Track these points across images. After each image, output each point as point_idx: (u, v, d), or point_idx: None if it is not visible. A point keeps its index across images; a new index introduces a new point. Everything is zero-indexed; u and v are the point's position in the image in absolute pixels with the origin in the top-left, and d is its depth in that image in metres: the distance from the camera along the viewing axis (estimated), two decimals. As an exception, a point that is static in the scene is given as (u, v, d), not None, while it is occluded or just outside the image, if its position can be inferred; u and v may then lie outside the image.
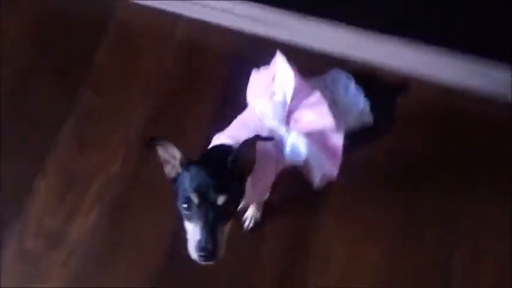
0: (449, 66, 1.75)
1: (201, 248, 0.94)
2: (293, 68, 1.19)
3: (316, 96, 1.18)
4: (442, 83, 1.79)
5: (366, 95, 1.25)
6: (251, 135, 1.03)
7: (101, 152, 1.66)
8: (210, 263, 0.96)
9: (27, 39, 1.86)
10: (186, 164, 1.01)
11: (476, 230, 1.61)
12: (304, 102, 1.20)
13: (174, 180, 1.03)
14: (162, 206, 1.54)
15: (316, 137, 1.20)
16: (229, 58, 1.83)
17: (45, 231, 1.55)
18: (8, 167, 1.62)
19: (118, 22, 1.88)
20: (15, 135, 1.68)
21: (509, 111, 1.75)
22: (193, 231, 0.97)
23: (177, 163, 1.02)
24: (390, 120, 1.36)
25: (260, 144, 1.08)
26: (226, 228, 1.00)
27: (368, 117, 1.28)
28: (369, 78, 1.34)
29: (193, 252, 0.96)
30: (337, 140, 1.20)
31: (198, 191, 0.96)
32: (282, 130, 1.20)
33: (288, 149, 1.20)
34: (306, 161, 1.20)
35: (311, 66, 1.34)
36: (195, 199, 0.96)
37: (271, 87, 1.24)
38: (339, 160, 1.23)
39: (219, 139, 1.18)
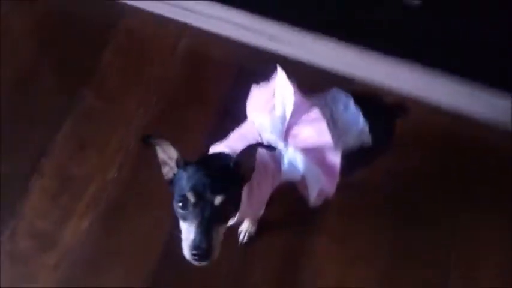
0: (451, 91, 1.76)
1: (195, 247, 0.93)
2: (293, 84, 1.18)
3: (315, 113, 1.17)
4: (444, 107, 1.80)
5: (365, 116, 1.24)
6: None
7: (98, 156, 1.66)
8: (204, 263, 0.95)
9: (33, 38, 1.87)
10: (182, 164, 1.00)
11: (474, 253, 1.60)
12: (303, 118, 1.19)
13: (171, 181, 1.02)
14: (157, 213, 1.57)
15: (313, 154, 1.19)
16: (233, 70, 1.83)
17: (38, 233, 1.54)
18: (4, 166, 1.62)
19: (125, 27, 1.89)
20: (14, 134, 1.68)
21: (509, 139, 1.75)
22: (187, 231, 0.96)
23: (173, 163, 1.01)
24: (389, 141, 1.35)
25: (259, 158, 1.08)
26: (222, 230, 0.99)
27: (367, 138, 1.28)
28: (368, 98, 1.33)
29: (187, 252, 0.95)
30: (335, 158, 1.19)
31: (195, 189, 0.95)
32: (279, 145, 1.19)
33: (285, 164, 1.19)
34: (303, 177, 1.20)
35: (312, 82, 1.34)
36: (191, 197, 0.95)
37: (271, 102, 1.23)
38: (336, 178, 1.21)
39: (217, 149, 1.18)
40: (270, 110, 1.23)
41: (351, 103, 1.25)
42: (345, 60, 1.81)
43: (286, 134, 1.20)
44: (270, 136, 1.19)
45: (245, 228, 1.54)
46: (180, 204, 0.96)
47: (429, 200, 1.66)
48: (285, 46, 1.84)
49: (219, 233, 0.97)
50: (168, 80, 1.81)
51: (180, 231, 0.98)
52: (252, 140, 1.17)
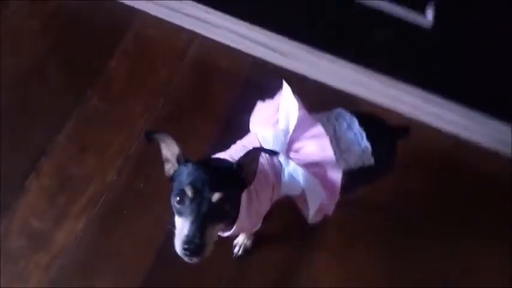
0: (453, 116, 1.79)
1: (187, 241, 0.92)
2: (298, 99, 1.18)
3: (319, 129, 1.17)
4: (445, 131, 1.82)
5: (368, 137, 1.24)
6: None
7: (98, 158, 1.65)
8: (195, 259, 0.94)
9: (41, 37, 1.86)
10: (183, 160, 1.00)
11: (473, 277, 1.59)
12: (306, 133, 1.18)
13: (172, 178, 1.02)
14: (153, 218, 1.56)
15: (315, 169, 1.18)
16: (240, 81, 1.83)
17: (31, 232, 1.53)
18: (4, 163, 1.60)
19: (135, 32, 1.89)
20: (16, 132, 1.67)
21: (509, 165, 1.77)
22: (182, 226, 0.95)
23: (174, 159, 1.01)
24: (391, 162, 1.35)
25: (260, 168, 1.08)
26: (217, 229, 0.98)
27: (369, 158, 1.27)
28: (371, 119, 1.34)
29: (178, 247, 0.94)
30: (336, 175, 1.18)
31: (193, 185, 0.95)
32: (281, 158, 1.19)
33: (285, 176, 1.18)
34: (303, 192, 1.19)
35: (317, 100, 1.35)
36: (189, 192, 0.94)
37: (275, 116, 1.23)
38: (336, 195, 1.21)
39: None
40: (273, 123, 1.23)
41: (355, 123, 1.25)
42: (351, 79, 1.82)
43: (288, 148, 1.19)
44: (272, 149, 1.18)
45: (240, 241, 1.53)
46: (178, 198, 0.96)
47: (428, 222, 1.66)
48: (292, 61, 1.85)
49: (214, 231, 0.97)
50: (174, 87, 1.81)
51: (174, 227, 0.97)
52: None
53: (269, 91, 1.30)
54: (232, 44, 1.89)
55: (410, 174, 1.69)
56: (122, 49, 1.85)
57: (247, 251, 1.54)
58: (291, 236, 1.61)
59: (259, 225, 1.27)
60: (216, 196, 0.94)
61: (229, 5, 1.78)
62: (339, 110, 1.29)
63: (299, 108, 1.16)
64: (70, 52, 1.85)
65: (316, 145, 1.17)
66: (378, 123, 1.34)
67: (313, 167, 1.18)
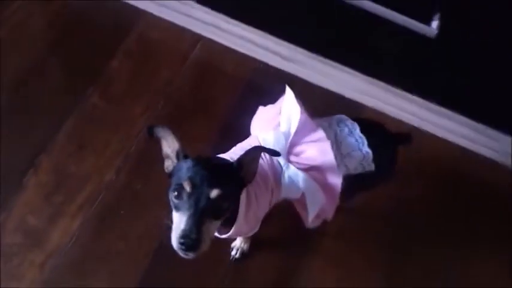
0: (455, 125, 1.79)
1: (183, 236, 0.91)
2: (300, 103, 1.18)
3: (320, 134, 1.17)
4: (447, 139, 1.83)
5: (369, 143, 1.24)
6: None
7: (97, 157, 1.64)
8: (191, 254, 0.93)
9: (44, 35, 1.86)
10: (182, 156, 1.00)
11: (473, 283, 1.59)
12: (307, 138, 1.18)
13: (171, 174, 1.02)
14: (150, 219, 1.55)
15: (314, 174, 1.17)
16: (242, 85, 1.83)
17: (28, 229, 1.52)
18: (3, 159, 1.60)
19: (139, 33, 1.89)
20: (16, 128, 1.67)
21: (509, 175, 1.78)
22: (179, 220, 0.94)
23: (174, 155, 1.01)
24: (391, 169, 1.35)
25: (261, 171, 1.08)
26: (214, 225, 0.98)
27: (369, 164, 1.27)
28: (373, 126, 1.33)
29: (175, 241, 0.93)
30: (336, 180, 1.18)
31: (192, 180, 0.94)
32: (281, 161, 1.18)
33: (285, 181, 1.17)
34: (302, 196, 1.18)
35: (320, 105, 1.35)
36: (187, 187, 0.94)
37: (276, 119, 1.23)
38: (336, 200, 1.20)
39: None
40: (274, 126, 1.22)
41: (357, 129, 1.25)
42: (354, 87, 1.82)
43: (288, 152, 1.19)
44: (272, 151, 1.18)
45: (238, 245, 1.53)
46: (176, 193, 0.95)
47: (429, 229, 1.66)
48: (296, 67, 1.85)
49: (211, 227, 0.96)
50: (175, 88, 1.80)
51: (172, 222, 0.97)
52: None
53: (271, 95, 1.30)
54: (236, 48, 1.89)
55: (412, 181, 1.69)
56: (125, 49, 1.85)
57: (244, 255, 1.53)
58: (289, 241, 1.60)
59: (257, 229, 1.26)
60: (214, 192, 0.94)
61: (234, 9, 1.78)
62: (341, 116, 1.29)
63: (301, 112, 1.15)
64: (72, 51, 1.85)
65: (317, 149, 1.16)
66: (379, 129, 1.34)
67: (314, 171, 1.17)
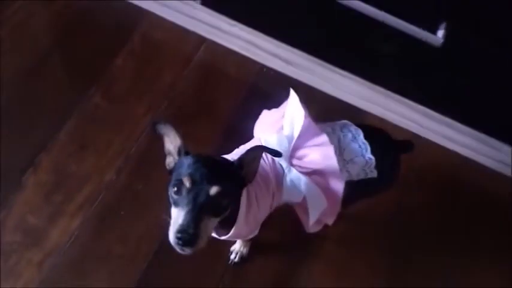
0: (457, 134, 1.80)
1: (181, 230, 0.91)
2: (304, 107, 1.18)
3: (323, 138, 1.16)
4: (450, 149, 1.85)
5: (372, 150, 1.24)
6: None
7: (98, 157, 1.64)
8: (187, 250, 0.93)
9: (48, 32, 1.86)
10: (183, 153, 1.00)
11: None
12: (310, 142, 1.18)
13: (172, 171, 1.02)
14: (149, 220, 1.54)
15: (317, 178, 1.17)
16: (245, 89, 1.83)
17: (27, 228, 1.51)
18: (3, 157, 1.59)
19: (143, 34, 1.89)
20: (17, 126, 1.66)
21: (509, 184, 1.80)
22: (177, 215, 0.94)
23: (175, 152, 1.01)
24: (394, 176, 1.34)
25: (262, 173, 1.08)
26: (212, 223, 0.97)
27: (372, 171, 1.27)
28: (376, 132, 1.33)
29: (172, 236, 0.93)
30: (338, 185, 1.17)
31: (192, 176, 0.94)
32: (283, 165, 1.18)
33: (287, 184, 1.17)
34: (304, 200, 1.18)
35: (323, 111, 1.34)
36: (186, 182, 0.94)
37: (279, 122, 1.23)
38: (337, 205, 1.20)
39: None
40: (277, 130, 1.22)
41: (360, 135, 1.25)
42: (358, 93, 1.83)
43: (291, 155, 1.19)
44: (275, 154, 1.18)
45: (237, 248, 1.52)
46: (175, 188, 0.95)
47: (430, 236, 1.66)
48: (300, 72, 1.86)
49: (209, 224, 0.96)
50: (179, 90, 1.80)
51: (170, 218, 0.96)
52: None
53: (274, 99, 1.30)
54: (240, 51, 1.90)
55: (412, 189, 1.70)
56: (129, 49, 1.85)
57: (243, 259, 1.52)
58: (289, 245, 1.60)
59: (256, 232, 1.26)
60: (214, 189, 0.94)
61: (238, 12, 1.78)
62: (345, 121, 1.29)
63: (305, 116, 1.15)
64: (74, 51, 1.84)
65: (320, 153, 1.16)
66: (382, 136, 1.34)
67: (316, 176, 1.17)
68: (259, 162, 1.05)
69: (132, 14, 1.91)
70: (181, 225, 0.91)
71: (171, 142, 1.03)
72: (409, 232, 1.65)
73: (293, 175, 1.17)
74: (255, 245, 1.52)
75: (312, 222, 1.21)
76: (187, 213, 0.92)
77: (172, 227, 0.94)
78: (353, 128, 1.27)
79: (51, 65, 1.79)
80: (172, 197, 0.96)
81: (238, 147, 1.24)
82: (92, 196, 1.57)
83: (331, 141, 1.18)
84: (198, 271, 1.51)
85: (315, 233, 1.28)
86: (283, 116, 1.23)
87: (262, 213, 1.20)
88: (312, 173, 1.17)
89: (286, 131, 1.20)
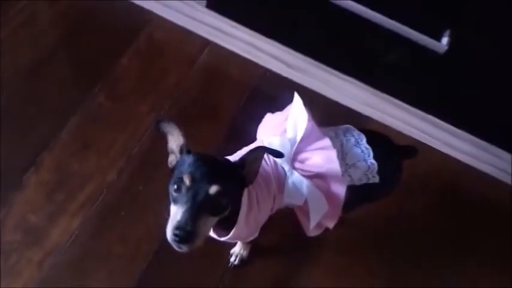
0: (459, 141, 1.80)
1: (178, 227, 0.91)
2: (308, 111, 1.18)
3: (326, 142, 1.17)
4: (452, 156, 1.85)
5: (375, 154, 1.24)
6: None
7: (100, 156, 1.64)
8: (184, 247, 0.93)
9: (54, 29, 1.87)
10: (186, 151, 1.01)
11: None
12: (312, 145, 1.18)
13: (174, 169, 1.02)
14: (150, 221, 1.54)
15: (318, 182, 1.17)
16: (248, 92, 1.84)
17: (27, 227, 1.51)
18: (4, 155, 1.59)
19: (148, 35, 1.90)
20: (19, 124, 1.66)
21: (510, 194, 1.79)
22: (176, 213, 0.94)
23: (178, 150, 1.02)
24: (396, 181, 1.35)
25: (264, 174, 1.08)
26: (211, 222, 0.97)
27: (374, 175, 1.27)
28: (379, 137, 1.33)
29: (169, 233, 0.93)
30: (340, 189, 1.17)
31: (192, 174, 0.94)
32: (285, 168, 1.18)
33: (289, 187, 1.17)
34: (305, 203, 1.18)
35: (326, 115, 1.35)
36: (186, 180, 0.94)
37: (283, 125, 1.23)
38: (338, 209, 1.20)
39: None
40: (280, 132, 1.22)
41: (363, 139, 1.25)
42: (361, 99, 1.83)
43: (293, 159, 1.19)
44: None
45: (237, 251, 1.52)
46: (175, 186, 0.95)
47: (429, 243, 1.66)
48: (303, 76, 1.86)
49: (207, 223, 0.96)
50: (182, 91, 1.81)
51: (169, 215, 0.96)
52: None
53: (277, 103, 1.31)
54: (244, 54, 1.90)
55: (413, 195, 1.69)
56: (133, 50, 1.85)
57: (243, 261, 1.52)
58: (289, 248, 1.59)
59: (256, 234, 1.26)
60: (213, 188, 0.94)
61: (243, 15, 1.78)
62: (348, 126, 1.29)
63: (308, 120, 1.16)
64: (79, 50, 1.85)
65: (323, 157, 1.16)
66: (384, 141, 1.34)
67: (318, 179, 1.17)
68: (260, 162, 1.05)
69: (137, 15, 1.92)
70: (179, 222, 0.91)
71: (174, 141, 1.03)
72: (410, 237, 1.65)
73: (295, 178, 1.17)
74: (255, 248, 1.52)
75: (312, 225, 1.21)
76: (186, 210, 0.92)
77: (170, 223, 0.94)
78: (356, 132, 1.27)
79: (55, 64, 1.80)
80: (172, 195, 0.97)
81: (240, 149, 1.24)
82: (93, 196, 1.57)
83: (334, 145, 1.17)
84: (198, 272, 1.51)
85: (315, 237, 1.27)
86: (286, 119, 1.23)
87: (263, 215, 1.20)
88: (314, 177, 1.17)
89: (289, 134, 1.20)
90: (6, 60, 1.75)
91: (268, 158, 1.18)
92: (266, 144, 1.18)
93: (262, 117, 1.32)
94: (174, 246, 0.94)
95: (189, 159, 0.99)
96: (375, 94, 1.78)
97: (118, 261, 1.49)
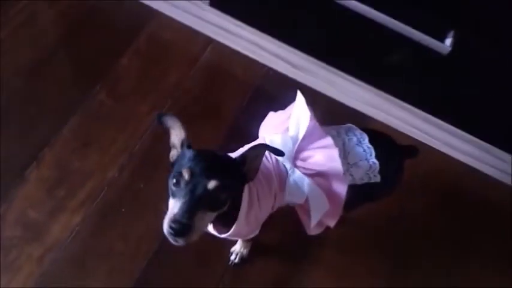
0: (460, 143, 1.80)
1: (174, 220, 0.91)
2: (311, 110, 1.18)
3: (328, 140, 1.16)
4: (453, 157, 1.85)
5: (376, 153, 1.24)
6: None
7: (101, 154, 1.64)
8: (180, 241, 0.92)
9: (55, 28, 1.87)
10: (186, 145, 1.01)
11: None
12: (314, 144, 1.17)
13: (174, 163, 1.02)
14: (150, 219, 1.54)
15: (320, 180, 1.17)
16: (251, 91, 1.83)
17: (27, 222, 1.51)
18: (5, 151, 1.59)
19: (150, 33, 1.90)
20: (21, 121, 1.66)
21: (510, 195, 1.79)
22: (174, 206, 0.94)
23: (179, 145, 1.02)
24: (397, 181, 1.34)
25: (265, 172, 1.08)
26: (208, 217, 0.97)
27: (375, 175, 1.27)
28: (381, 137, 1.33)
29: (165, 226, 0.92)
30: (341, 188, 1.17)
31: (192, 169, 0.94)
32: (287, 166, 1.18)
33: (290, 185, 1.17)
34: (306, 202, 1.17)
35: (329, 116, 1.34)
36: (186, 175, 0.94)
37: (285, 123, 1.23)
38: (340, 207, 1.19)
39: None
40: (283, 131, 1.22)
41: (365, 139, 1.25)
42: (363, 99, 1.83)
43: (295, 157, 1.18)
44: (279, 155, 1.18)
45: (237, 249, 1.52)
46: (174, 180, 0.95)
47: (430, 244, 1.66)
48: (306, 76, 1.86)
49: (205, 217, 0.96)
50: (184, 90, 1.81)
51: (167, 208, 0.96)
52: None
53: (280, 102, 1.30)
54: (247, 53, 1.90)
55: (414, 195, 1.69)
56: (135, 48, 1.86)
57: (243, 260, 1.52)
58: (289, 247, 1.59)
59: (256, 232, 1.26)
60: (212, 183, 0.93)
61: (246, 14, 1.78)
62: (350, 125, 1.29)
63: (311, 118, 1.15)
64: (80, 49, 1.85)
65: (325, 155, 1.15)
66: (386, 141, 1.34)
67: (319, 177, 1.17)
68: (261, 160, 1.05)
69: (139, 13, 1.92)
70: (175, 215, 0.91)
71: (176, 135, 1.03)
72: (410, 237, 1.65)
73: (296, 176, 1.17)
74: (255, 246, 1.52)
75: (313, 224, 1.20)
76: (183, 204, 0.92)
77: (167, 217, 0.94)
78: (358, 132, 1.27)
79: (55, 64, 1.80)
80: (171, 189, 0.97)
81: (241, 146, 1.24)
82: (94, 193, 1.57)
83: (336, 144, 1.17)
84: (198, 272, 1.50)
85: (316, 235, 1.27)
86: (289, 118, 1.23)
87: (264, 213, 1.19)
88: (316, 175, 1.17)
89: (291, 132, 1.20)
90: (6, 60, 1.76)
91: (270, 156, 1.18)
92: (268, 142, 1.18)
93: (264, 116, 1.32)
94: (170, 239, 0.94)
95: (189, 153, 0.99)
96: (378, 94, 1.78)
97: (118, 259, 1.49)
